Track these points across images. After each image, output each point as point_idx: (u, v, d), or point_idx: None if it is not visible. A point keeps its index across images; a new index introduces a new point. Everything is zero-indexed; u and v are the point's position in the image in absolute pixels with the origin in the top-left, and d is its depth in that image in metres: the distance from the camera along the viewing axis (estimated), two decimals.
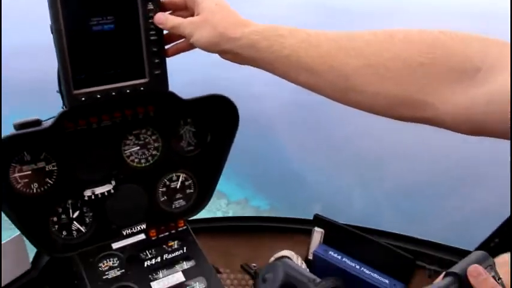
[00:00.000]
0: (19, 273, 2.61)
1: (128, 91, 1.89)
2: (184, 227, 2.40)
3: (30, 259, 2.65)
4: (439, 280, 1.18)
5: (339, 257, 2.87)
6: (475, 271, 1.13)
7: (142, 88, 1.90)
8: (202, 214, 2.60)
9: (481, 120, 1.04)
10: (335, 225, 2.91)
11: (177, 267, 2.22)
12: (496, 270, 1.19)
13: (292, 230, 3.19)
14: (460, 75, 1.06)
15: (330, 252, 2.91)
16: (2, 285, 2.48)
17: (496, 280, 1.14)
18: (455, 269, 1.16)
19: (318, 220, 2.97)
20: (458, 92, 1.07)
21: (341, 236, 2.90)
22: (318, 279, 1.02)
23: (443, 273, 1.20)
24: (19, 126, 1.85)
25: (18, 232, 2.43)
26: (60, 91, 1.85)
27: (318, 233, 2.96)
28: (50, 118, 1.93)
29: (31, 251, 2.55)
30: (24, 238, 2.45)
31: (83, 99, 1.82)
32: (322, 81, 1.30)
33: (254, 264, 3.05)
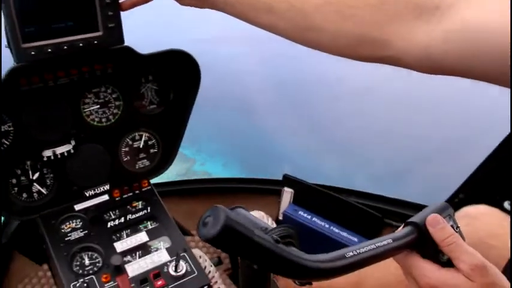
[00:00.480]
0: None
1: (80, 45, 1.84)
2: (149, 187, 2.37)
3: None
4: (399, 230, 1.18)
5: (309, 217, 2.89)
6: (434, 220, 1.14)
7: (96, 42, 1.85)
8: None
9: (440, 58, 1.04)
10: (304, 185, 2.92)
11: (141, 227, 2.21)
12: (455, 219, 1.20)
13: (263, 191, 3.19)
14: (418, 12, 1.06)
15: (300, 212, 2.93)
16: None
17: (454, 229, 1.14)
18: (415, 218, 1.17)
19: (288, 180, 2.97)
20: (416, 30, 1.06)
21: (310, 195, 2.92)
22: (271, 227, 1.00)
23: (404, 223, 1.21)
24: None
25: None
26: (9, 45, 1.77)
27: (287, 193, 2.97)
28: None
29: None
30: None
31: (33, 53, 1.76)
32: (282, 21, 1.27)
33: None
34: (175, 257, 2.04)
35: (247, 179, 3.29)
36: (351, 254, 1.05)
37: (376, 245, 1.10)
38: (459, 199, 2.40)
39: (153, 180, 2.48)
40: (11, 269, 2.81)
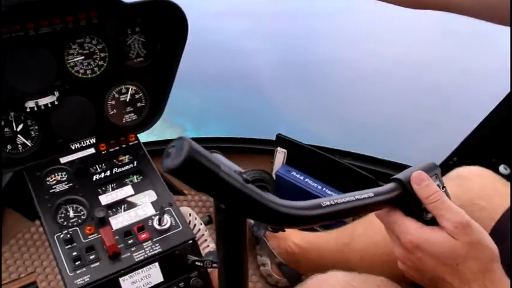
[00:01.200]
0: None
1: None
2: (136, 142, 2.37)
3: None
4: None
5: (301, 177, 2.88)
6: (418, 177, 1.11)
7: None
8: None
9: None
10: (298, 146, 2.90)
11: (127, 181, 2.22)
12: (441, 179, 1.17)
13: (256, 150, 3.18)
14: None
15: (293, 173, 2.91)
16: None
17: (440, 188, 1.12)
18: (399, 175, 1.14)
19: (281, 140, 2.94)
20: None
21: (304, 156, 2.90)
22: (243, 170, 0.96)
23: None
24: None
25: None
26: None
27: (280, 154, 2.95)
28: None
29: None
30: None
31: None
32: None
33: None
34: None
35: (240, 139, 3.27)
36: (328, 203, 1.01)
37: (356, 197, 1.06)
38: (453, 162, 2.37)
39: (147, 139, 2.46)
40: (4, 224, 2.87)
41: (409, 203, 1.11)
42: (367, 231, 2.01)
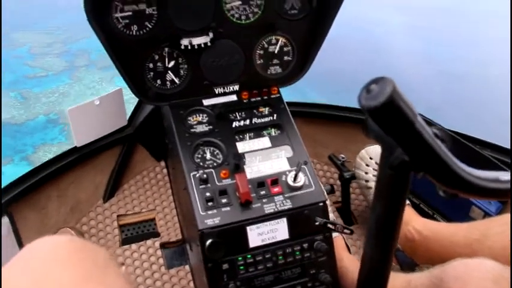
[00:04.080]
0: (117, 127, 3.05)
1: None
2: (278, 95, 2.49)
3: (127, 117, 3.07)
4: None
5: None
6: None
7: None
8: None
9: None
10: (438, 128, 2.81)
11: (265, 132, 2.35)
12: None
13: None
14: None
15: None
16: (102, 135, 2.81)
17: None
18: None
19: None
20: None
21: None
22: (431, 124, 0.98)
23: None
24: None
25: (117, 87, 2.83)
26: None
27: None
28: None
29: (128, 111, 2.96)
30: (122, 93, 2.86)
31: None
32: None
33: (343, 156, 3.06)
34: (295, 168, 2.17)
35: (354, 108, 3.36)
36: (506, 178, 1.02)
37: None
38: None
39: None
40: (132, 160, 3.25)
41: None
42: (506, 231, 1.96)
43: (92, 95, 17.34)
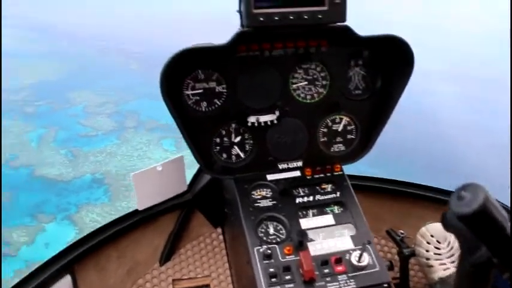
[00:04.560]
0: (177, 192, 2.97)
1: (305, 17, 2.01)
2: (340, 172, 2.44)
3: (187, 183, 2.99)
4: None
5: None
6: None
7: (320, 16, 2.01)
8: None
9: None
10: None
11: (328, 210, 2.28)
12: None
13: (445, 202, 2.97)
14: None
15: None
16: (163, 199, 2.88)
17: None
18: None
19: None
20: None
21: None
22: None
23: None
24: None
25: (179, 155, 2.82)
26: (240, 10, 2.01)
27: None
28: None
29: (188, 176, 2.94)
30: (183, 161, 2.83)
31: (262, 19, 1.96)
32: None
33: (402, 231, 2.93)
34: (359, 247, 2.08)
35: (432, 188, 3.12)
36: None
37: None
38: None
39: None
40: (189, 225, 3.15)
41: None
42: None
43: (139, 156, 17.90)
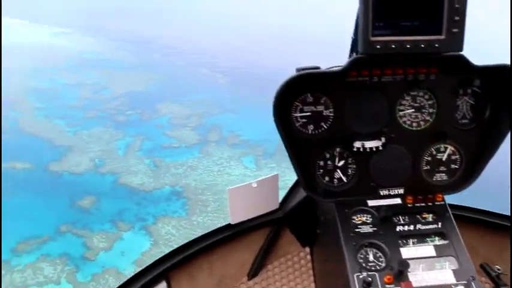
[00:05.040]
0: (269, 209, 3.08)
1: (422, 46, 2.01)
2: (442, 202, 2.42)
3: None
4: None
5: None
6: None
7: (436, 45, 2.00)
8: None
9: None
10: None
11: (429, 240, 2.26)
12: None
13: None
14: None
15: None
16: (255, 215, 3.02)
17: None
18: None
19: None
20: None
21: None
22: None
23: None
24: (300, 70, 2.13)
25: (274, 173, 2.98)
26: (355, 37, 2.06)
27: None
28: (329, 68, 2.17)
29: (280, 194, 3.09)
30: (278, 179, 2.99)
31: (378, 47, 1.99)
32: None
33: (498, 267, 2.65)
34: (462, 282, 2.08)
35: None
36: None
37: None
38: None
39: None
40: (278, 242, 3.22)
41: None
42: None
43: (219, 172, 18.22)
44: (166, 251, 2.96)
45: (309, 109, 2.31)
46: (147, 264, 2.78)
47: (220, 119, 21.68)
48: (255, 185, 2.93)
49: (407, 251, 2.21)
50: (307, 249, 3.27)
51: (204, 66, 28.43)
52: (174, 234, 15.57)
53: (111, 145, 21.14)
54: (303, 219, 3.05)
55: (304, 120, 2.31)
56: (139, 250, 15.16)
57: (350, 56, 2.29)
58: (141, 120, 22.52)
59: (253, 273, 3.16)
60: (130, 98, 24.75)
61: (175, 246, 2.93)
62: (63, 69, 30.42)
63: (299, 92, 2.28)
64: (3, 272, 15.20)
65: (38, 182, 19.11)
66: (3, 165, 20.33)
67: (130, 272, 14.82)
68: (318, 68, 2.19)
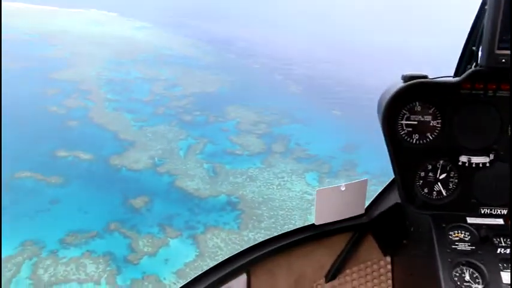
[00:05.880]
0: (354, 214, 3.09)
1: None
2: None
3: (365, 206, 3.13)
4: None
5: None
6: None
7: None
8: None
9: None
10: None
11: None
12: None
13: None
14: None
15: None
16: (340, 218, 3.06)
17: None
18: None
19: None
20: None
21: None
22: None
23: None
24: (408, 78, 2.24)
25: (364, 178, 3.08)
26: (477, 48, 2.07)
27: None
28: (436, 77, 2.25)
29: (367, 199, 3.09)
30: (367, 185, 3.02)
31: (503, 60, 2.00)
32: None
33: None
34: None
35: None
36: None
37: None
38: None
39: None
40: (359, 248, 3.20)
41: None
42: None
43: (279, 185, 17.53)
44: (211, 264, 3.02)
45: (416, 118, 2.33)
46: (228, 256, 2.93)
47: (288, 129, 21.23)
48: (343, 188, 3.02)
49: (509, 276, 2.18)
50: (388, 259, 3.25)
51: (278, 72, 28.27)
52: (222, 248, 15.23)
53: (173, 144, 21.34)
54: (389, 227, 3.03)
55: (409, 129, 2.34)
56: (184, 260, 15.00)
57: (458, 67, 2.34)
58: (207, 123, 22.69)
59: (331, 276, 3.20)
60: (200, 98, 25.08)
61: (255, 243, 3.08)
62: (139, 63, 31.74)
63: (408, 100, 2.30)
64: (48, 262, 15.62)
65: (97, 175, 19.58)
66: (67, 153, 21.02)
67: (170, 281, 14.67)
68: (425, 76, 2.23)
